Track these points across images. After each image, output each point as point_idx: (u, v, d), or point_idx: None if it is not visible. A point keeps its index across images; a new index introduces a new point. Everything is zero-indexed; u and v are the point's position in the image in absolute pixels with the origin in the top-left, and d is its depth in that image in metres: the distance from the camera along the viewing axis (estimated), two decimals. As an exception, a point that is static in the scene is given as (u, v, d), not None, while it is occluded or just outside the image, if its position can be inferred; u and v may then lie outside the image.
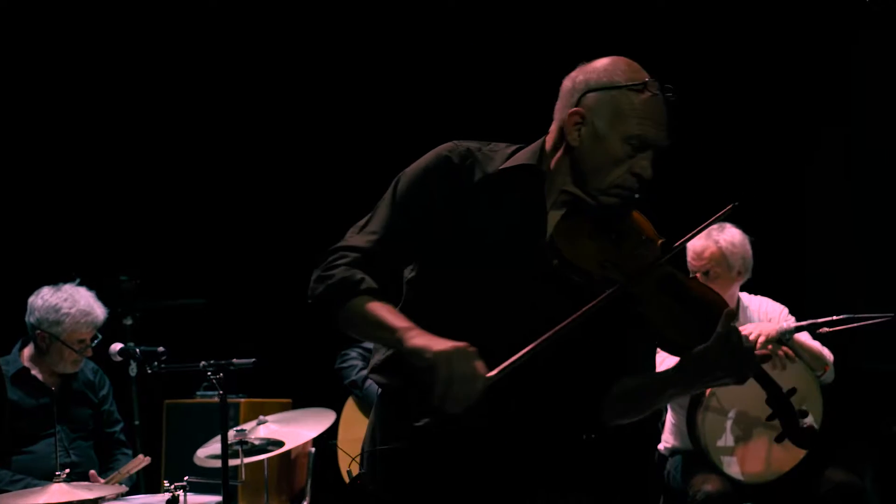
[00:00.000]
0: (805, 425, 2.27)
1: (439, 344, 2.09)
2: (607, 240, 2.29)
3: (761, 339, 4.37)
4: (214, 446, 4.48)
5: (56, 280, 4.75)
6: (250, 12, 6.28)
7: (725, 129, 6.07)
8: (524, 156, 2.38)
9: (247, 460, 4.43)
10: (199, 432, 4.82)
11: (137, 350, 4.57)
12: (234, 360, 4.32)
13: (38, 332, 4.59)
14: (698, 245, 4.47)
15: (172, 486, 4.03)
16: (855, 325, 4.38)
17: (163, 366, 4.50)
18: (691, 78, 6.08)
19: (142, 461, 4.41)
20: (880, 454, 5.51)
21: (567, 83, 2.38)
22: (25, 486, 4.15)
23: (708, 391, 4.34)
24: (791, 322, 4.49)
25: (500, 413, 2.27)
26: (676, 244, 2.26)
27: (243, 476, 4.45)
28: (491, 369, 2.10)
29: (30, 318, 4.63)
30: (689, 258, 4.53)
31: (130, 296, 5.01)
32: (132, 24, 6.14)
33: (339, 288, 2.27)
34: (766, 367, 4.29)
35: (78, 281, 4.74)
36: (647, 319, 2.24)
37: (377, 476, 2.40)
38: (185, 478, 4.11)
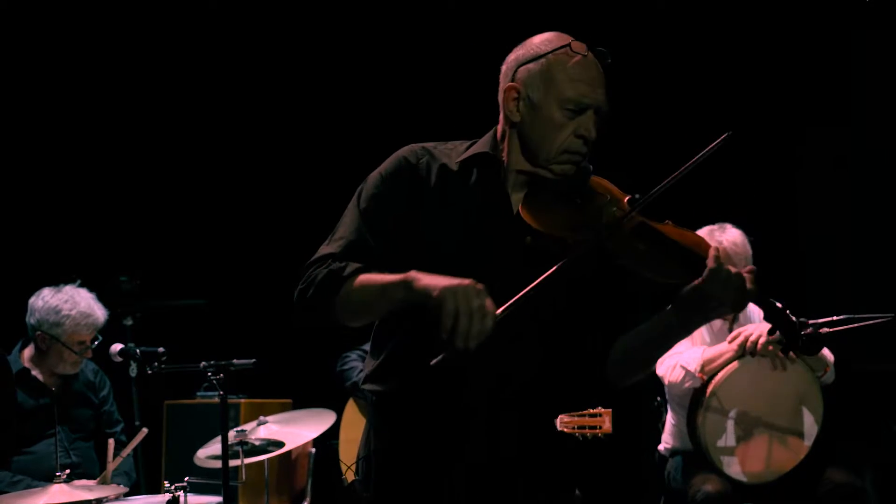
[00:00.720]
0: (807, 332, 2.26)
1: (446, 281, 2.11)
2: (573, 206, 2.31)
3: (762, 340, 4.37)
4: (215, 447, 4.49)
5: (57, 281, 4.75)
6: (250, 13, 6.28)
7: (723, 129, 6.06)
8: (478, 146, 2.43)
9: (247, 461, 4.43)
10: (200, 433, 4.82)
11: (138, 350, 4.56)
12: (235, 361, 4.32)
13: (39, 333, 4.59)
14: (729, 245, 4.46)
15: (173, 487, 4.03)
16: (855, 325, 4.39)
17: (163, 366, 4.50)
18: (690, 78, 6.09)
19: (142, 433, 4.40)
20: (880, 454, 5.52)
21: (503, 67, 2.43)
22: (26, 487, 4.14)
23: (708, 391, 4.34)
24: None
25: (501, 359, 2.29)
26: (649, 194, 2.26)
27: (244, 476, 4.44)
28: (479, 357, 2.13)
29: (30, 320, 4.63)
30: None
31: (131, 296, 5.01)
32: (132, 25, 6.14)
33: (327, 281, 2.27)
34: (767, 367, 4.30)
35: (79, 282, 4.73)
36: (632, 269, 2.27)
37: (371, 483, 2.41)
38: (186, 478, 4.11)
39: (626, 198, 2.33)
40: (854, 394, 4.95)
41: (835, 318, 4.37)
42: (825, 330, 4.40)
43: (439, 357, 2.12)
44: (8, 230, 5.87)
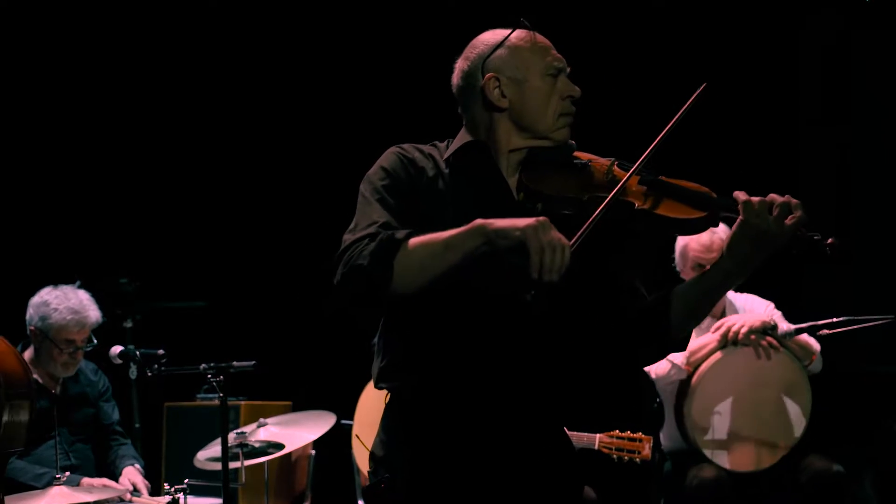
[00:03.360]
0: (828, 242, 2.39)
1: (522, 221, 2.17)
2: (574, 169, 2.43)
3: (744, 330, 4.39)
4: (215, 449, 4.49)
5: (57, 282, 4.74)
6: (250, 13, 6.28)
7: (722, 129, 6.07)
8: (460, 140, 2.49)
9: (247, 463, 4.43)
10: (200, 435, 4.82)
11: (137, 353, 4.56)
12: (235, 363, 4.32)
13: (31, 328, 4.58)
14: (705, 239, 4.47)
15: (173, 489, 4.03)
16: (854, 327, 4.39)
17: (163, 368, 4.50)
18: (689, 79, 6.09)
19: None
20: (880, 455, 5.52)
21: (456, 80, 2.52)
22: (50, 481, 4.09)
23: (693, 382, 4.38)
24: (786, 325, 4.50)
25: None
26: (648, 151, 2.37)
27: (243, 479, 4.45)
28: (506, 324, 2.28)
29: (26, 317, 4.62)
30: (696, 252, 4.51)
31: (131, 298, 5.02)
32: (132, 26, 6.15)
33: (383, 247, 2.23)
34: (751, 357, 4.37)
35: (78, 283, 4.72)
36: (650, 226, 2.35)
37: (400, 484, 2.39)
38: (186, 480, 4.12)
39: (615, 161, 2.44)
40: (854, 395, 4.96)
41: (834, 319, 4.38)
42: (825, 332, 4.41)
43: (531, 293, 2.18)
44: (8, 232, 5.87)
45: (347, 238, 2.32)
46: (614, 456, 4.51)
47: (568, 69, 2.50)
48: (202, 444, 4.62)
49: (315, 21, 6.32)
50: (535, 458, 2.40)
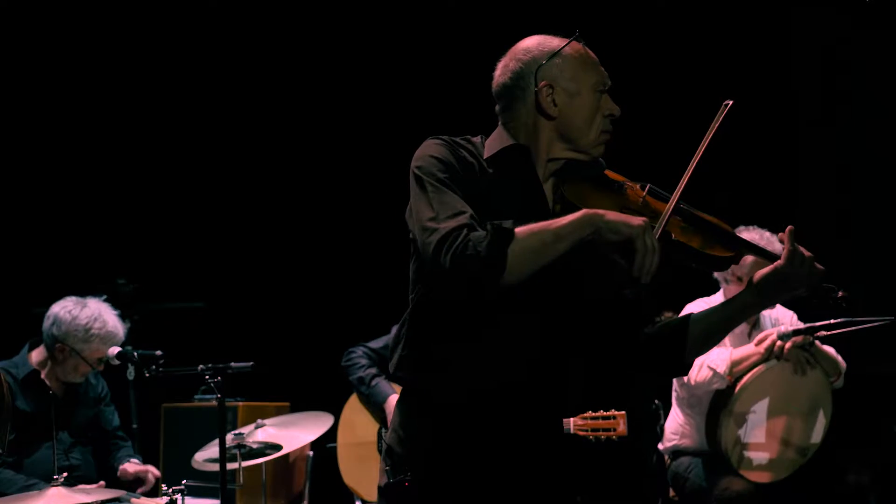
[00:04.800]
0: (839, 295, 2.52)
1: (631, 218, 2.26)
2: (611, 191, 2.49)
3: (789, 345, 4.40)
4: (212, 450, 4.48)
5: (55, 283, 4.74)
6: (249, 14, 6.28)
7: (721, 130, 6.07)
8: (500, 140, 2.51)
9: (245, 464, 4.43)
10: (197, 436, 4.81)
11: (135, 353, 4.55)
12: (232, 364, 4.31)
13: (59, 344, 4.58)
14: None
15: (170, 490, 4.02)
16: (853, 328, 4.39)
17: (161, 369, 4.49)
18: (687, 80, 6.09)
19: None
20: (880, 455, 5.52)
21: (504, 79, 2.52)
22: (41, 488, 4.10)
23: (735, 393, 4.37)
24: (791, 326, 4.51)
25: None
26: (682, 181, 2.42)
27: (241, 480, 4.44)
28: (540, 339, 2.36)
29: (53, 330, 4.58)
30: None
31: (128, 299, 5.01)
32: (130, 30, 6.14)
33: (497, 237, 2.26)
34: (789, 371, 4.40)
35: (105, 297, 4.73)
36: (689, 252, 2.42)
37: (425, 482, 2.41)
38: (183, 481, 4.10)
39: (647, 185, 2.51)
40: (854, 395, 4.96)
41: (833, 321, 4.38)
42: (823, 333, 4.42)
43: (633, 291, 2.35)
44: (7, 233, 5.87)
45: (434, 226, 2.30)
46: (591, 437, 4.49)
47: (611, 83, 2.54)
48: (200, 445, 4.61)
49: (314, 22, 6.32)
50: (555, 463, 2.48)
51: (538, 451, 2.44)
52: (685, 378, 4.45)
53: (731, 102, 2.52)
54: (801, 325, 4.53)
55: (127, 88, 6.21)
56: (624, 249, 2.26)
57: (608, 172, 2.53)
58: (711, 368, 4.37)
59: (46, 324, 4.61)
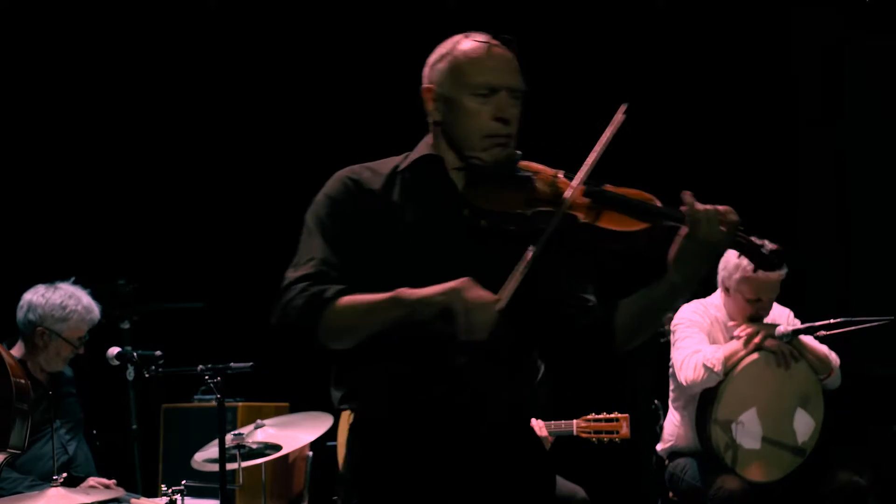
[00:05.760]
0: (768, 249, 2.32)
1: (442, 286, 2.19)
2: (517, 182, 2.38)
3: (758, 338, 4.40)
4: (212, 450, 4.48)
5: (53, 282, 4.73)
6: (249, 15, 6.28)
7: (720, 131, 6.07)
8: (416, 153, 2.47)
9: (244, 464, 4.43)
10: (197, 436, 4.82)
11: (135, 354, 4.55)
12: (232, 364, 4.32)
13: (39, 328, 4.57)
14: (774, 275, 4.43)
15: (170, 491, 4.03)
16: (852, 328, 4.40)
17: (160, 370, 4.50)
18: (686, 81, 6.09)
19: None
20: (880, 456, 5.52)
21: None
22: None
23: (718, 390, 4.34)
24: (789, 325, 4.51)
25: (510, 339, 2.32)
26: (586, 165, 2.33)
27: (241, 480, 4.44)
28: (461, 348, 2.22)
29: (29, 316, 4.59)
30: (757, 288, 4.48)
31: (128, 299, 5.00)
32: (129, 28, 6.14)
33: (309, 305, 2.27)
34: (773, 364, 4.35)
35: (73, 279, 4.73)
36: (596, 240, 2.32)
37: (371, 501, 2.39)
38: (183, 482, 4.11)
39: (560, 173, 2.40)
40: (853, 395, 4.96)
41: (832, 320, 4.38)
42: (822, 333, 4.42)
43: (463, 359, 2.22)
44: (5, 233, 5.87)
45: (289, 275, 2.35)
46: (594, 439, 4.52)
47: (517, 87, 2.41)
48: (199, 446, 4.61)
49: (313, 22, 6.32)
50: (503, 470, 2.37)
51: (483, 459, 2.35)
52: (681, 379, 4.46)
53: (626, 105, 2.39)
54: (799, 324, 4.53)
55: (127, 89, 6.21)
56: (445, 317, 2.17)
57: (524, 164, 2.42)
58: (707, 367, 4.37)
59: (21, 313, 4.61)
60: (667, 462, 4.72)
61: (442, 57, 2.43)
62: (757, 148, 6.10)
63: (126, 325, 4.94)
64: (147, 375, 4.50)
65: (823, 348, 4.53)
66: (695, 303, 4.66)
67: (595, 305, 2.44)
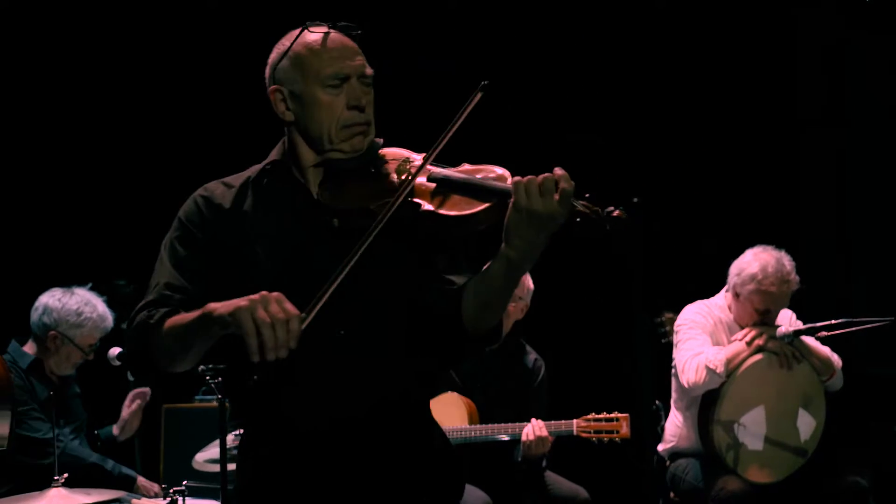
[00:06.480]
0: (614, 214, 2.11)
1: (240, 301, 2.07)
2: (369, 177, 2.32)
3: (760, 340, 4.41)
4: (213, 451, 4.48)
5: (54, 283, 4.74)
6: (248, 16, 6.28)
7: (720, 131, 6.07)
8: (269, 158, 2.46)
9: (245, 464, 4.42)
10: (198, 437, 4.81)
11: (136, 355, 4.56)
12: (233, 365, 4.31)
13: (52, 332, 4.59)
14: (786, 287, 4.44)
15: (171, 491, 4.02)
16: (853, 329, 4.40)
17: (161, 370, 4.50)
18: (686, 82, 6.09)
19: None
20: (881, 454, 5.53)
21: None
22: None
23: (721, 391, 4.35)
24: (791, 326, 4.51)
25: (332, 341, 2.26)
26: (434, 147, 2.26)
27: (242, 480, 4.42)
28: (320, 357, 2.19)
29: (44, 319, 4.61)
30: (767, 286, 4.48)
31: (129, 300, 5.00)
32: (130, 28, 6.14)
33: (138, 332, 2.26)
34: (775, 366, 4.36)
35: (90, 285, 4.78)
36: (442, 219, 2.21)
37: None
38: (184, 482, 4.11)
39: (418, 156, 2.33)
40: (854, 396, 4.97)
41: (833, 321, 4.39)
42: (823, 334, 4.42)
43: (253, 378, 2.10)
44: (6, 233, 5.86)
45: (139, 304, 2.33)
46: (594, 439, 4.53)
47: (366, 73, 2.36)
48: (200, 446, 4.61)
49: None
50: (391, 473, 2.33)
51: (367, 458, 2.30)
52: (683, 381, 4.46)
53: (486, 82, 2.25)
54: (801, 325, 4.53)
55: (126, 90, 6.21)
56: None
57: (385, 151, 2.37)
58: (709, 369, 4.37)
59: (35, 315, 4.63)
60: (668, 463, 4.73)
61: (283, 55, 2.37)
62: (757, 148, 6.11)
63: (123, 324, 4.95)
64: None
65: (825, 350, 4.54)
66: (698, 303, 4.67)
67: (458, 289, 2.31)
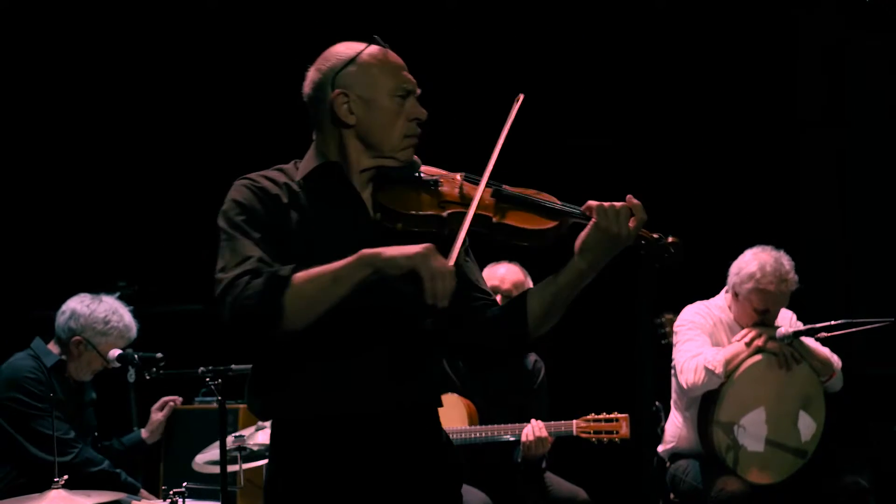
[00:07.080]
0: (669, 241, 2.48)
1: (410, 249, 2.22)
2: (427, 188, 2.47)
3: (764, 337, 4.41)
4: (213, 452, 4.48)
5: (55, 286, 4.75)
6: (248, 16, 6.28)
7: (720, 131, 6.07)
8: (312, 158, 2.51)
9: (245, 466, 4.42)
10: (198, 438, 4.81)
11: (136, 356, 4.56)
12: (233, 366, 4.31)
13: (77, 337, 4.59)
14: (785, 286, 4.45)
15: (171, 492, 4.03)
16: (853, 329, 4.40)
17: (161, 372, 4.51)
18: (686, 83, 6.09)
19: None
20: (881, 454, 5.53)
21: (308, 90, 2.55)
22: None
23: (720, 392, 4.35)
24: (791, 327, 4.51)
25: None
26: (490, 165, 2.43)
27: (242, 482, 4.43)
28: (384, 343, 2.35)
29: (70, 323, 4.60)
30: (766, 285, 4.48)
31: (129, 302, 5.01)
32: (130, 29, 6.15)
33: (270, 284, 2.24)
34: (774, 367, 4.37)
35: (118, 294, 4.78)
36: (512, 230, 2.43)
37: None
38: (184, 484, 4.11)
39: (461, 174, 2.51)
40: (854, 396, 4.97)
41: (833, 322, 4.39)
42: (823, 334, 4.42)
43: (429, 321, 2.30)
44: (6, 236, 5.87)
45: (222, 277, 2.29)
46: (593, 439, 4.54)
47: (418, 91, 2.51)
48: (201, 448, 4.61)
49: (313, 23, 6.32)
50: (429, 482, 2.44)
51: (415, 478, 2.42)
52: (682, 382, 4.46)
53: (522, 96, 2.52)
54: (801, 326, 4.53)
55: (127, 91, 6.21)
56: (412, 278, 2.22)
57: (424, 169, 2.52)
58: (708, 370, 4.38)
59: (62, 318, 4.62)
60: (668, 463, 4.73)
61: (349, 61, 2.47)
62: (757, 149, 6.11)
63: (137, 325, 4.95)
64: (148, 377, 4.51)
65: (825, 350, 4.54)
66: (698, 304, 4.67)
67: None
